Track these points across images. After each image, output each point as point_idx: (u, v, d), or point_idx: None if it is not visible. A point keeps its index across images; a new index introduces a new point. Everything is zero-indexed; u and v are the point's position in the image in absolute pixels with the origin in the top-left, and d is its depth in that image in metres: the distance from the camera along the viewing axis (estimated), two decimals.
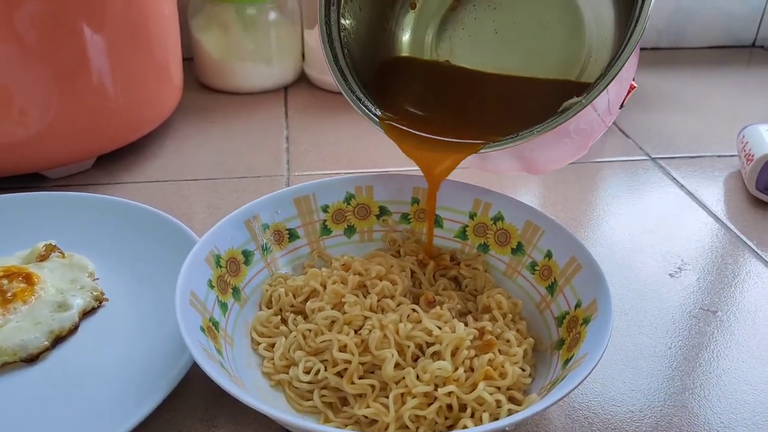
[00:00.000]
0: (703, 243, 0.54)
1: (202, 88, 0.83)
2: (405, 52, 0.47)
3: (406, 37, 0.48)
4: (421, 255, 0.46)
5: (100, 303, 0.44)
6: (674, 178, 0.65)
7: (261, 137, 0.71)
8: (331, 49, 0.46)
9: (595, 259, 0.40)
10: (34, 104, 0.55)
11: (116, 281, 0.46)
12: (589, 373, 0.32)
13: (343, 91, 0.46)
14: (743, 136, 0.64)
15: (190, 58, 0.81)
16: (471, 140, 0.43)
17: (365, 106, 0.46)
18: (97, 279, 0.46)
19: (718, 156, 0.69)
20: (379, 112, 0.46)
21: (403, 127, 0.45)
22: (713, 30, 1.01)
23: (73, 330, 0.42)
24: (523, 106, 0.45)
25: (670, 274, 0.50)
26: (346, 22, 0.46)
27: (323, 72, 0.81)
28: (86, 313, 0.43)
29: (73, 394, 0.37)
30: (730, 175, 0.65)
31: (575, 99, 0.39)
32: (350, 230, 0.49)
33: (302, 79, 0.85)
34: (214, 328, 0.38)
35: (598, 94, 0.38)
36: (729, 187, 0.63)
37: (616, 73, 0.37)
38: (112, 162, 0.64)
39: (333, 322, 0.39)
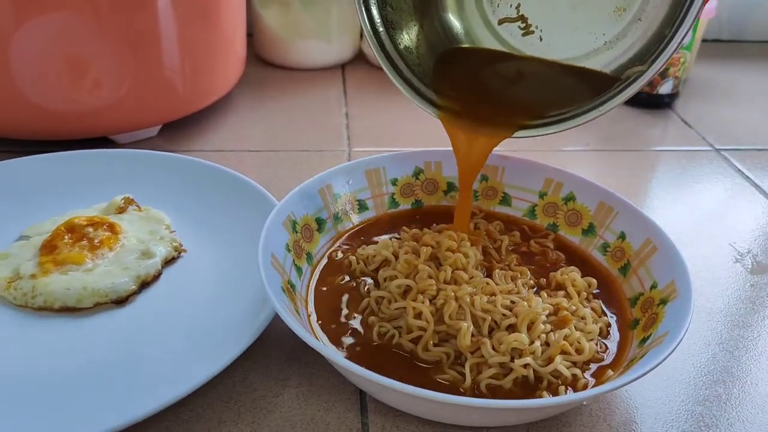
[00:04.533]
0: None
1: (261, 62, 0.83)
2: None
3: None
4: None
5: (179, 254, 0.45)
6: (739, 170, 0.63)
7: (320, 113, 0.71)
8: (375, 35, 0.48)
9: (672, 241, 0.40)
10: (107, 74, 0.56)
11: (191, 235, 0.47)
12: (673, 350, 0.32)
13: (388, 73, 0.48)
14: None
15: (250, 34, 0.81)
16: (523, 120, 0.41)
17: (416, 90, 0.47)
18: (174, 231, 0.47)
19: None
20: (434, 97, 0.45)
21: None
22: None
23: (157, 277, 0.43)
24: (574, 81, 0.41)
25: (738, 263, 0.50)
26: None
27: None
28: (167, 262, 0.44)
29: (161, 336, 0.39)
30: None
31: (638, 68, 0.36)
32: (417, 204, 0.49)
33: (359, 57, 0.85)
34: (291, 289, 0.38)
35: (665, 62, 0.35)
36: None
37: (683, 37, 0.33)
38: (176, 130, 0.65)
39: (406, 291, 0.40)
